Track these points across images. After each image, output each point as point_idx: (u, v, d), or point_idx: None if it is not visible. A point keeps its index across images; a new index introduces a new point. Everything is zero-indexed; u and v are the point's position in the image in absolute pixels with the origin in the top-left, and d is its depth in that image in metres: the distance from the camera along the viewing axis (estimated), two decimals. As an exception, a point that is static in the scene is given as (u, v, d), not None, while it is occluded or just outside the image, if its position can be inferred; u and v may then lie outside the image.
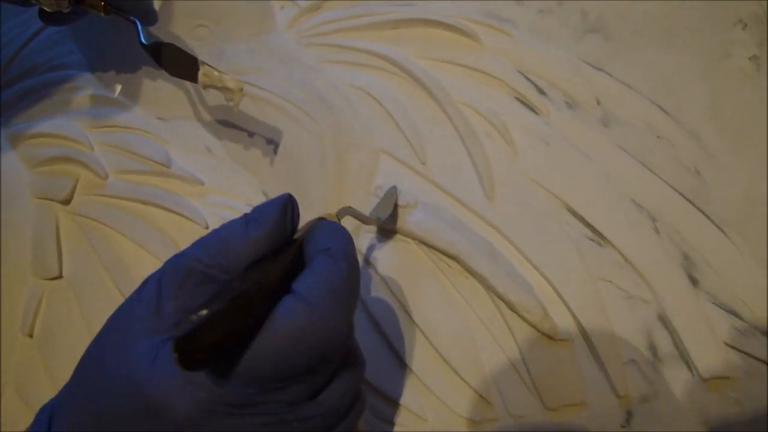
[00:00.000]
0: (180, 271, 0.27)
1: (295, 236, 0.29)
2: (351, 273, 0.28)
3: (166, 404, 0.25)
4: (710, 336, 0.38)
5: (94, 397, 0.27)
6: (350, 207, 0.36)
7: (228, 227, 0.28)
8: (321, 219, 0.31)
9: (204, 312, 0.23)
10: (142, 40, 0.45)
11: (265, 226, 0.28)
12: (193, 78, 0.44)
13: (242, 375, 0.25)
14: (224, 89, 0.44)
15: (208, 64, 0.44)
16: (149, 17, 0.48)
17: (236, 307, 0.24)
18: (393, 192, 0.43)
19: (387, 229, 0.43)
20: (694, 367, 0.38)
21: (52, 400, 0.30)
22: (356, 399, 0.31)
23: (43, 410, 0.29)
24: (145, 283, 0.28)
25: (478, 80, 0.47)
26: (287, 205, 0.29)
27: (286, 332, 0.25)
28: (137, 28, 0.46)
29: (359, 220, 0.39)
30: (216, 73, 0.44)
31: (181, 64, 0.45)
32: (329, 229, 0.29)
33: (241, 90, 0.44)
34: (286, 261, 0.27)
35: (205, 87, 0.45)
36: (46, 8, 0.44)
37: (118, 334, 0.27)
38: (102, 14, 0.46)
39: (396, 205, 0.43)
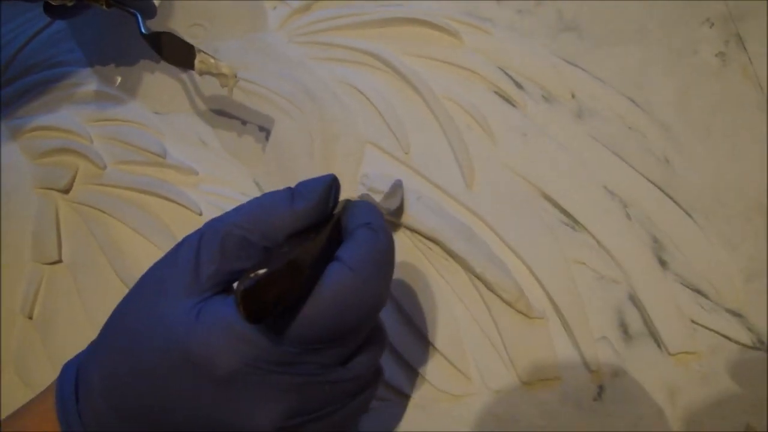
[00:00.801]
0: (219, 235, 0.28)
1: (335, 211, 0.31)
2: (390, 244, 0.29)
3: (210, 358, 0.25)
4: (678, 314, 0.40)
5: (128, 352, 0.27)
6: (368, 194, 0.38)
7: (272, 197, 0.29)
8: (349, 200, 0.33)
9: (263, 270, 0.24)
10: (143, 30, 0.47)
11: (311, 201, 0.28)
12: (190, 65, 0.46)
13: (292, 335, 0.26)
14: (219, 75, 0.46)
15: (203, 51, 0.46)
16: (149, 10, 0.50)
17: (291, 269, 0.25)
18: (399, 186, 0.45)
19: (392, 222, 0.45)
20: (663, 343, 0.39)
21: (77, 356, 0.30)
22: (378, 371, 0.32)
23: (68, 366, 0.30)
24: (180, 245, 0.28)
25: (459, 75, 0.49)
26: (332, 185, 0.29)
27: (335, 296, 0.26)
28: (138, 19, 0.48)
29: (384, 209, 0.40)
30: (211, 60, 0.46)
31: (178, 52, 0.47)
32: (366, 206, 0.31)
33: (235, 76, 0.46)
34: (328, 233, 0.28)
35: (202, 73, 0.47)
36: (51, 2, 0.46)
37: (154, 294, 0.28)
38: (104, 7, 0.48)
39: (402, 200, 0.44)
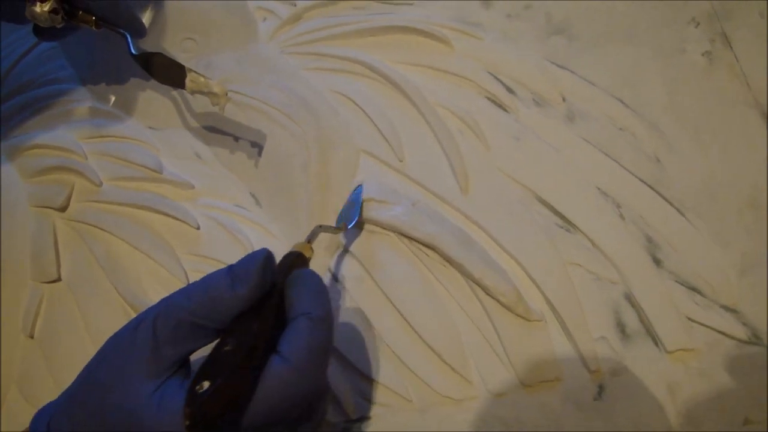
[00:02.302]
0: (171, 319, 0.30)
1: (275, 279, 0.32)
2: (328, 336, 0.31)
3: None
4: (674, 312, 0.40)
5: (97, 417, 0.29)
6: (318, 226, 0.39)
7: (215, 284, 0.30)
8: (294, 254, 0.35)
9: (207, 384, 0.27)
10: (132, 51, 0.47)
11: (250, 283, 0.30)
12: (181, 84, 0.47)
13: (241, 428, 0.28)
14: (210, 94, 0.47)
15: (194, 71, 0.47)
16: (138, 30, 0.50)
17: (234, 378, 0.27)
18: (358, 195, 0.46)
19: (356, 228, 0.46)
20: (660, 341, 0.40)
21: (50, 404, 0.32)
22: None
23: (41, 413, 0.32)
24: (138, 323, 0.30)
25: (451, 82, 0.50)
26: (266, 263, 0.31)
27: (278, 394, 0.29)
28: (127, 40, 0.48)
29: (331, 232, 0.41)
30: (202, 79, 0.46)
31: (169, 72, 0.47)
32: (310, 285, 0.32)
33: (226, 94, 0.47)
34: (270, 317, 0.31)
35: (193, 92, 0.47)
36: (40, 24, 0.46)
37: (118, 369, 0.30)
38: (93, 28, 0.48)
39: (362, 208, 0.45)
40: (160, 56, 0.47)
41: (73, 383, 0.32)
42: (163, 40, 0.55)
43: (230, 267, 0.31)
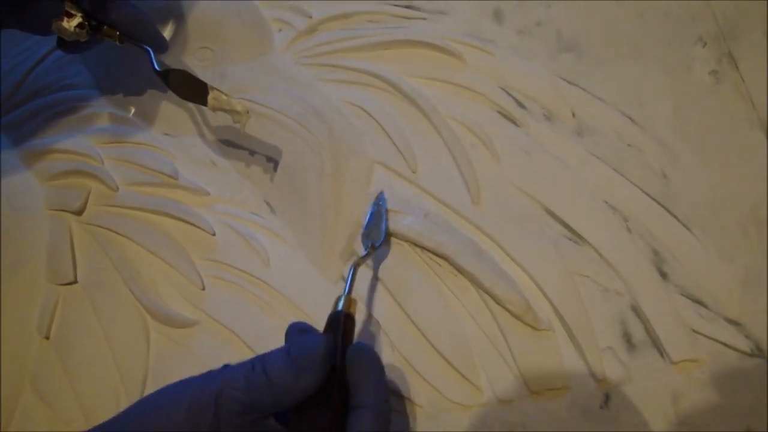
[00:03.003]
0: (235, 404, 0.30)
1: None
2: (388, 428, 0.32)
3: None
4: (679, 324, 0.41)
5: None
6: (355, 264, 0.39)
7: (277, 372, 0.30)
8: (343, 316, 0.35)
9: None
10: (156, 66, 0.48)
11: (314, 374, 0.31)
12: (203, 101, 0.47)
13: None
14: (232, 111, 0.47)
15: (216, 89, 0.47)
16: (161, 46, 0.51)
17: None
18: (382, 206, 0.46)
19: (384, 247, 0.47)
20: (665, 352, 0.41)
21: None
22: None
23: None
24: (193, 403, 0.30)
25: (463, 96, 0.51)
26: (328, 350, 0.31)
27: None
28: (150, 55, 0.49)
29: (366, 261, 0.43)
30: (224, 97, 0.47)
31: (191, 89, 0.48)
32: (368, 371, 0.33)
33: (247, 112, 0.47)
34: (338, 404, 0.32)
35: (215, 110, 0.48)
36: (65, 38, 0.47)
37: None
38: (117, 42, 0.49)
39: (387, 228, 0.46)
40: (182, 73, 0.48)
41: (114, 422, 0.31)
42: (179, 49, 0.56)
43: (289, 352, 0.31)
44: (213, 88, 0.47)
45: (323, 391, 0.31)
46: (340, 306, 0.35)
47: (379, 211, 0.46)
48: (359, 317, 0.44)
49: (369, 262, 0.46)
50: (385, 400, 0.32)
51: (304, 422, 0.30)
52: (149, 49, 0.49)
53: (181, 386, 0.31)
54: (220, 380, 0.31)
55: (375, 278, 0.45)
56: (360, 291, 0.45)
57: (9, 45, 0.62)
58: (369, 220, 0.46)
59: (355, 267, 0.39)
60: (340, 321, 0.34)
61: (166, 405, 0.30)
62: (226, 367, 0.32)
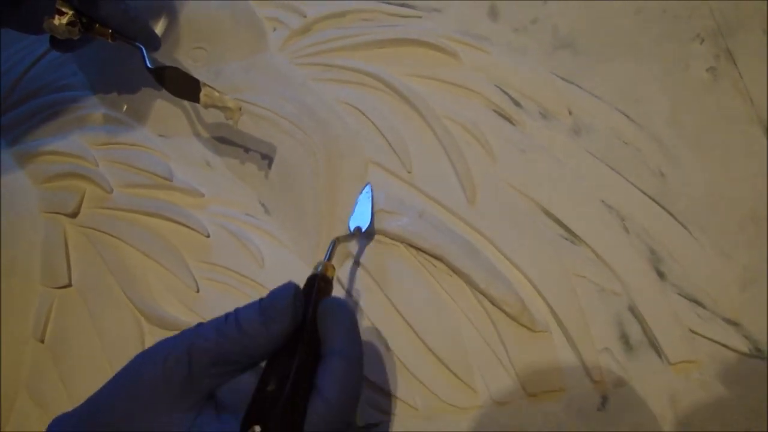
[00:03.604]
0: (206, 355, 0.30)
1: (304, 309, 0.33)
2: (360, 373, 0.32)
3: None
4: (676, 324, 0.41)
5: None
6: (336, 239, 0.40)
7: (247, 322, 0.31)
8: (319, 277, 0.35)
9: (258, 429, 0.28)
10: (148, 64, 0.48)
11: (282, 322, 0.31)
12: (195, 98, 0.47)
13: None
14: (224, 108, 0.47)
15: (209, 85, 0.47)
16: (153, 43, 0.51)
17: (283, 420, 0.29)
18: (367, 195, 0.46)
19: (370, 233, 0.47)
20: (663, 353, 0.40)
21: (64, 417, 0.33)
22: None
23: (56, 425, 0.32)
24: (167, 355, 0.30)
25: (458, 94, 0.50)
26: (297, 298, 0.32)
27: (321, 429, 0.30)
28: (142, 53, 0.49)
29: (347, 241, 0.43)
30: (216, 94, 0.47)
31: (184, 86, 0.48)
32: (339, 319, 0.33)
33: (240, 109, 0.47)
34: (307, 353, 0.32)
35: (207, 107, 0.48)
36: (57, 36, 0.47)
37: (148, 399, 0.30)
38: (109, 40, 0.49)
39: (372, 216, 0.46)
40: (174, 70, 0.48)
41: (92, 402, 0.32)
42: (172, 48, 0.56)
43: (260, 304, 0.32)
44: (205, 85, 0.47)
45: (294, 342, 0.32)
46: (318, 270, 0.36)
47: (364, 199, 0.46)
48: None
49: (363, 262, 0.46)
50: (356, 345, 0.32)
51: (270, 372, 0.31)
52: (141, 46, 0.49)
53: (158, 344, 0.32)
54: (193, 333, 0.31)
55: (370, 280, 0.45)
56: (354, 291, 0.45)
57: (4, 46, 0.62)
58: (356, 207, 0.46)
59: (335, 242, 0.40)
60: (315, 280, 0.35)
61: (143, 363, 0.31)
62: (200, 324, 0.32)
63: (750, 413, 0.38)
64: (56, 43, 0.50)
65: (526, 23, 0.53)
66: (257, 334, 0.31)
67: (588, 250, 0.44)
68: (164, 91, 0.49)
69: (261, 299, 0.32)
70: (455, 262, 0.44)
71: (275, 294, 0.32)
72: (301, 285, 0.34)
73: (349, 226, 0.45)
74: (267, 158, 0.51)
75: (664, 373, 0.40)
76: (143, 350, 0.32)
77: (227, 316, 0.32)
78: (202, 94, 0.47)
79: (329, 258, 0.38)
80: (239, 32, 0.55)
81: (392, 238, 0.46)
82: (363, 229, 0.44)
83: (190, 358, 0.30)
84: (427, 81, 0.51)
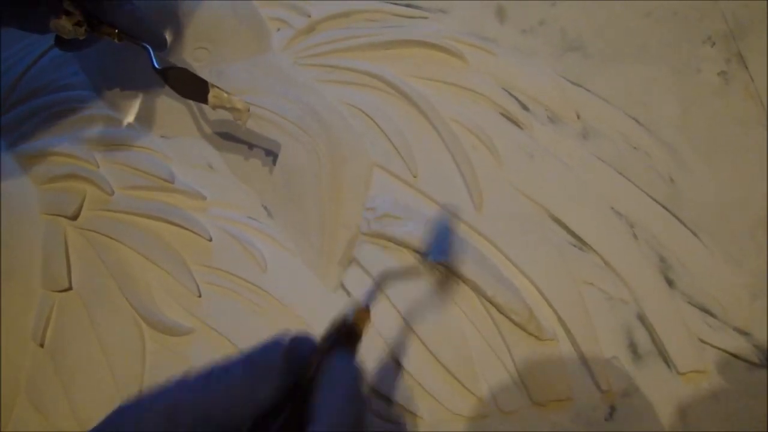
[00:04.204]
0: (190, 415, 0.26)
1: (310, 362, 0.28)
2: None
3: None
4: (686, 333, 0.40)
5: None
6: (387, 271, 0.37)
7: (233, 383, 0.27)
8: (343, 326, 0.29)
9: None
10: (155, 64, 0.47)
11: (271, 386, 0.27)
12: (203, 99, 0.47)
13: None
14: (233, 110, 0.47)
15: (217, 86, 0.47)
16: (160, 43, 0.50)
17: None
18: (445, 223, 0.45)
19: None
20: (672, 362, 0.40)
21: None
22: None
23: None
24: (139, 417, 0.27)
25: (465, 97, 0.50)
26: (291, 355, 0.27)
27: None
28: (149, 53, 0.48)
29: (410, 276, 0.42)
30: (225, 95, 0.46)
31: (191, 87, 0.47)
32: (334, 384, 0.27)
33: (248, 110, 0.47)
34: (293, 424, 0.27)
35: (215, 107, 0.47)
36: (63, 36, 0.46)
37: None
38: (116, 41, 0.48)
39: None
40: (182, 71, 0.47)
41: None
42: (176, 48, 0.55)
43: (249, 360, 0.27)
44: (213, 86, 0.47)
45: (288, 405, 0.27)
46: (347, 317, 0.29)
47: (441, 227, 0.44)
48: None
49: (369, 269, 0.45)
50: (346, 425, 0.27)
51: None
52: (148, 47, 0.48)
53: (138, 400, 0.27)
54: (175, 388, 0.27)
55: (374, 285, 0.45)
56: (359, 298, 0.45)
57: (4, 45, 0.61)
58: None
59: (382, 281, 0.37)
60: (334, 329, 0.29)
61: (121, 422, 0.27)
62: (184, 377, 0.28)
63: (758, 423, 0.38)
64: (61, 42, 0.49)
65: (534, 25, 0.52)
66: (244, 397, 0.26)
67: (596, 257, 0.44)
68: (165, 91, 0.49)
69: (252, 352, 0.28)
70: (461, 269, 0.43)
71: (267, 348, 0.28)
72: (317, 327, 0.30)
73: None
74: (270, 161, 0.50)
75: (672, 383, 0.40)
76: (124, 404, 0.28)
77: (212, 370, 0.27)
78: (210, 95, 0.46)
79: (369, 303, 0.30)
80: (242, 32, 0.55)
81: (398, 244, 0.45)
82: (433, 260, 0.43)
83: (169, 417, 0.26)
84: (433, 83, 0.50)
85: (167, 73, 0.47)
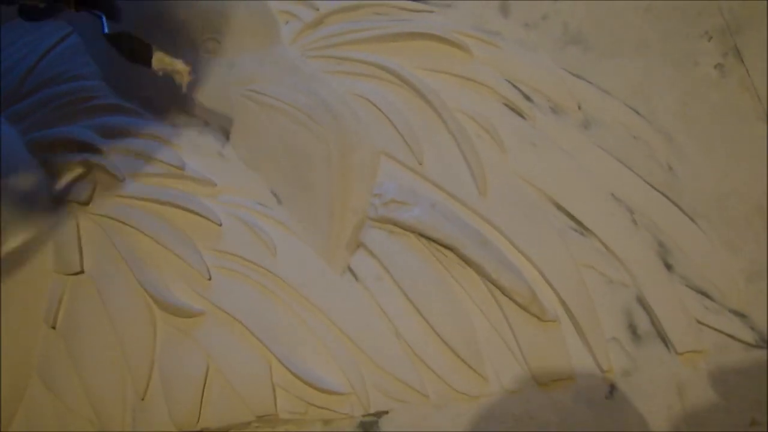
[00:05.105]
0: None
1: None
2: None
3: None
4: (684, 315, 0.42)
5: None
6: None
7: None
8: None
9: None
10: (105, 30, 0.49)
11: None
12: (148, 63, 0.49)
13: None
14: (174, 72, 0.49)
15: (160, 50, 0.49)
16: (112, 13, 0.52)
17: None
18: None
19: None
20: (670, 343, 0.41)
21: None
22: None
23: None
24: None
25: (470, 88, 0.51)
26: None
27: None
28: (102, 21, 0.50)
29: None
30: (167, 58, 0.48)
31: (138, 51, 0.50)
32: None
33: (188, 72, 0.49)
34: None
35: (158, 69, 0.49)
36: (25, 2, 0.48)
37: None
38: (73, 9, 0.50)
39: None
40: (128, 36, 0.49)
41: None
42: (185, 38, 0.56)
43: None
44: (157, 50, 0.49)
45: None
46: None
47: None
48: (366, 306, 0.45)
49: (375, 252, 0.46)
50: None
51: None
52: (101, 14, 0.50)
53: None
54: None
55: (383, 270, 0.46)
56: (366, 281, 0.46)
57: (15, 36, 0.62)
58: None
59: None
60: None
61: None
62: None
63: (755, 402, 0.39)
64: (24, 11, 0.51)
65: (536, 19, 0.54)
66: None
67: (597, 242, 0.45)
68: (173, 81, 0.50)
69: None
70: (466, 252, 0.44)
71: None
72: None
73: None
74: (279, 149, 0.51)
75: (671, 363, 0.41)
76: None
77: None
78: (154, 58, 0.48)
79: None
80: (252, 24, 0.56)
81: (404, 229, 0.46)
82: None
83: None
84: (439, 74, 0.52)
85: (115, 38, 0.50)
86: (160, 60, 0.48)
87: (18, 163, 0.53)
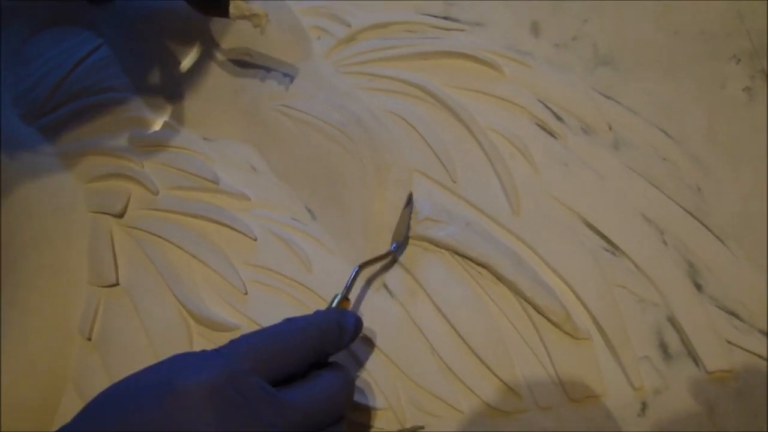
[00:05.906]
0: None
1: None
2: None
3: None
4: (714, 335, 0.42)
5: None
6: (360, 265, 0.43)
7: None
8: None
9: None
10: None
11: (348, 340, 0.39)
12: (225, 13, 0.49)
13: None
14: (252, 16, 0.49)
15: None
16: None
17: None
18: (407, 213, 0.48)
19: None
20: (701, 362, 0.42)
21: None
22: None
23: None
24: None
25: (502, 107, 0.52)
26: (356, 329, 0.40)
27: None
28: None
29: (378, 262, 0.46)
30: (243, 4, 0.48)
31: (211, 2, 0.49)
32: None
33: (266, 15, 0.49)
34: None
35: (236, 18, 0.49)
36: None
37: None
38: None
39: (410, 222, 0.48)
40: None
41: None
42: (219, 48, 0.57)
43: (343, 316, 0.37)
44: None
45: None
46: (333, 304, 0.40)
47: (404, 215, 0.48)
48: (401, 321, 0.45)
49: (410, 268, 0.47)
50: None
51: None
52: None
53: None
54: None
55: (417, 286, 0.46)
56: (401, 297, 0.46)
57: (43, 48, 0.62)
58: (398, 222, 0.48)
59: (359, 269, 0.43)
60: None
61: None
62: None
63: (784, 421, 0.40)
64: None
65: (567, 40, 0.54)
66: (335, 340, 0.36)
67: (628, 262, 0.46)
68: (207, 93, 0.50)
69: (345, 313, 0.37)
70: (501, 270, 0.45)
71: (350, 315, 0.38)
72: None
73: (391, 243, 0.47)
74: (313, 164, 0.52)
75: (701, 382, 0.42)
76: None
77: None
78: (231, 6, 0.48)
79: (348, 290, 0.41)
80: (284, 39, 0.56)
81: (438, 246, 0.47)
82: (392, 248, 0.46)
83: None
84: (471, 93, 0.52)
85: None
86: (238, 7, 0.48)
87: (52, 175, 0.54)
